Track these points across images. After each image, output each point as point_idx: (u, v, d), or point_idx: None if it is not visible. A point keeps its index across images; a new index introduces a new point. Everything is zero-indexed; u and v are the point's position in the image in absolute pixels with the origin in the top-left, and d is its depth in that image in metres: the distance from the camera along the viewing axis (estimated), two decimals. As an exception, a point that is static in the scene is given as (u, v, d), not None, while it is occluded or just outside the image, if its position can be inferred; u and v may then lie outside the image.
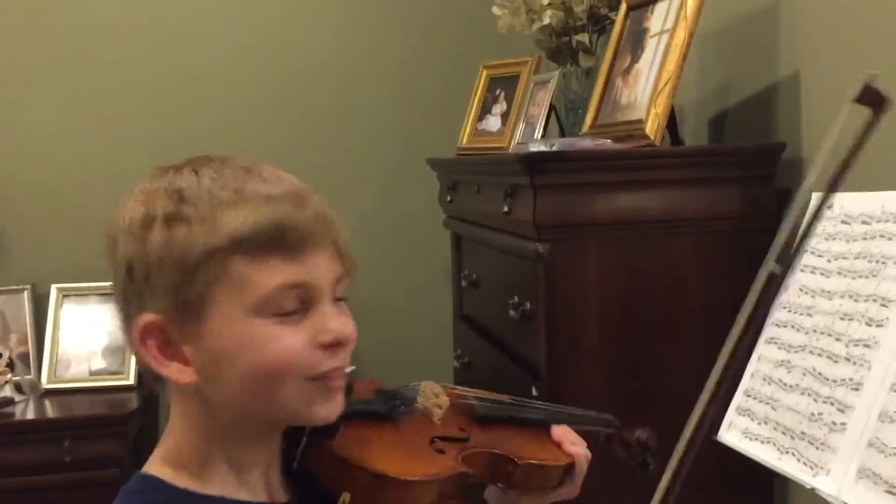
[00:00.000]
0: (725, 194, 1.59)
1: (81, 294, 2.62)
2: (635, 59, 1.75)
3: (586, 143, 1.66)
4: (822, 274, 1.03)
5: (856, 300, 0.95)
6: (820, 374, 0.95)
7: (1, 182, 2.69)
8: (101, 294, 2.56)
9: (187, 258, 0.76)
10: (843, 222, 1.03)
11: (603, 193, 1.57)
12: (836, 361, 0.94)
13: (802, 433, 0.94)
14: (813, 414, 0.94)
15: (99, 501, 1.02)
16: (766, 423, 1.01)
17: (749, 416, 1.04)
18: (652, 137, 1.59)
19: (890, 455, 0.82)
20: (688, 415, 1.56)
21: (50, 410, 2.47)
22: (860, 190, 1.05)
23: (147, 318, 0.77)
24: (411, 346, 2.91)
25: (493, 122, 2.29)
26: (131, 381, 2.56)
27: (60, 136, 2.75)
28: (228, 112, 2.83)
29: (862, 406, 0.88)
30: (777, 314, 1.07)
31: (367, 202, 2.92)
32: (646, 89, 1.66)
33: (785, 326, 1.05)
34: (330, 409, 0.81)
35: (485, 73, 2.38)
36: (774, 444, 0.98)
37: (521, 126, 2.13)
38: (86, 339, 2.63)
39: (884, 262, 0.94)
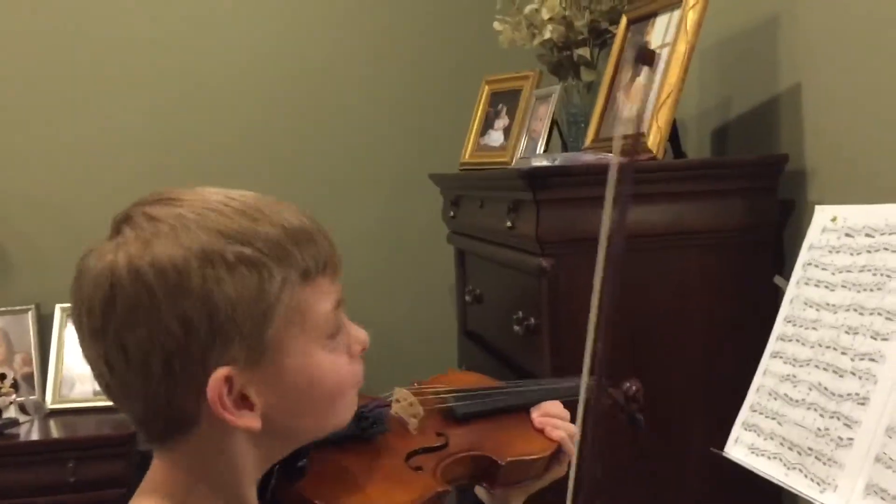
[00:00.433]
0: (728, 206, 1.59)
1: (86, 313, 2.61)
2: (637, 72, 1.75)
3: (588, 158, 1.66)
4: (826, 287, 1.02)
5: (861, 314, 0.94)
6: (826, 388, 0.95)
7: (4, 201, 2.70)
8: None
9: (265, 299, 0.72)
10: (846, 235, 1.03)
11: (605, 207, 1.56)
12: (841, 376, 0.93)
13: (809, 448, 0.93)
14: (819, 429, 0.93)
15: (102, 523, 1.01)
16: (772, 438, 1.00)
17: (755, 431, 1.03)
18: (654, 151, 1.59)
19: (898, 470, 0.81)
20: (695, 427, 1.56)
21: (54, 431, 2.46)
22: (859, 201, 1.05)
23: (222, 372, 0.71)
24: (415, 361, 2.89)
25: (495, 137, 2.29)
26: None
27: (63, 154, 2.76)
28: (232, 128, 2.84)
29: (868, 421, 0.87)
30: (782, 328, 1.07)
31: (370, 217, 2.92)
32: (647, 103, 1.66)
33: (790, 340, 1.04)
34: (354, 404, 0.83)
35: (487, 87, 2.39)
36: (781, 460, 0.97)
37: (524, 140, 2.13)
38: (90, 358, 2.62)
39: (888, 276, 0.93)
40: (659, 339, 1.57)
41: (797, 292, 1.07)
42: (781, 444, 0.98)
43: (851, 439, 0.88)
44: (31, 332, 2.65)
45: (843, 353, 0.94)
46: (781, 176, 1.60)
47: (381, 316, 2.92)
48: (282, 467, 0.82)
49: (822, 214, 1.09)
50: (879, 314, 0.92)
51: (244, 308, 0.71)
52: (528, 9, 2.09)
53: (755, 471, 1.00)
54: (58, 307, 2.61)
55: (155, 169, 2.69)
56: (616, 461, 1.56)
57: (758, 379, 1.07)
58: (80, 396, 2.59)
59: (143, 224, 0.72)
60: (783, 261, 1.62)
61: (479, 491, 1.06)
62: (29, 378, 2.64)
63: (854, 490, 0.86)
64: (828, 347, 0.97)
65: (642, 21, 1.79)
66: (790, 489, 0.94)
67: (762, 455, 1.01)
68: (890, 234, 0.95)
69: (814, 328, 1.01)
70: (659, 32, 1.71)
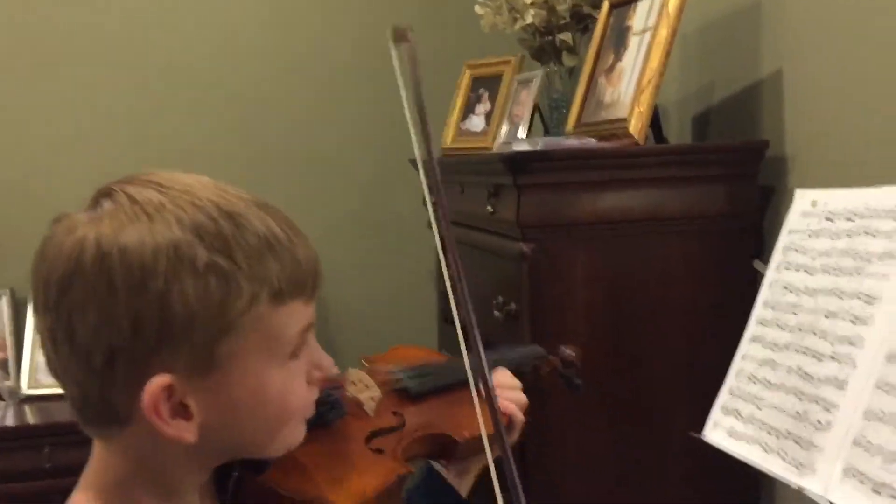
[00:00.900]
0: (709, 192, 1.59)
1: (62, 298, 2.58)
2: (618, 57, 1.75)
3: (570, 143, 1.65)
4: (806, 271, 1.02)
5: (840, 298, 0.94)
6: (805, 372, 0.95)
7: (-22, 186, 2.66)
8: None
9: (226, 315, 0.68)
10: (826, 219, 1.03)
11: (587, 192, 1.56)
12: (820, 360, 0.93)
13: (788, 432, 0.93)
14: (798, 413, 0.93)
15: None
16: (751, 422, 1.00)
17: (734, 415, 1.04)
18: (635, 136, 1.59)
19: (876, 454, 0.82)
20: (677, 412, 1.56)
21: (30, 417, 2.44)
22: (839, 186, 1.04)
23: (162, 380, 0.67)
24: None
25: (476, 122, 2.28)
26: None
27: (38, 138, 2.71)
28: (210, 114, 2.80)
29: (847, 404, 0.88)
30: (761, 312, 1.07)
31: (351, 203, 2.90)
32: (629, 88, 1.65)
33: (769, 325, 1.04)
34: (302, 433, 0.79)
35: (468, 72, 2.37)
36: (760, 444, 0.97)
37: (505, 126, 2.12)
38: (66, 343, 2.59)
39: (868, 260, 0.93)
40: (640, 325, 1.57)
41: (776, 277, 1.07)
42: (760, 427, 0.98)
43: (830, 423, 0.89)
44: (6, 318, 2.61)
45: (822, 338, 0.94)
46: (762, 162, 1.60)
47: (362, 302, 2.91)
48: (243, 461, 0.80)
49: (802, 199, 1.08)
50: (859, 298, 0.92)
51: (202, 319, 0.67)
52: (510, -7, 2.08)
53: (734, 455, 1.01)
54: (33, 292, 2.58)
55: (131, 153, 2.65)
56: (593, 447, 1.57)
57: (737, 363, 1.07)
58: (55, 382, 2.55)
59: (123, 203, 0.69)
60: (764, 246, 1.62)
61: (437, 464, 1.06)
62: (3, 363, 2.60)
63: (832, 473, 0.86)
64: (807, 332, 0.97)
65: (624, 5, 1.78)
66: (769, 473, 0.94)
67: (741, 439, 1.01)
68: (870, 217, 0.95)
69: (793, 312, 1.01)
70: (641, 17, 1.70)
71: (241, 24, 2.83)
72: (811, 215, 1.06)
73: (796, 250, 1.05)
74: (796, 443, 0.91)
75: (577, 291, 1.55)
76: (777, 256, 1.09)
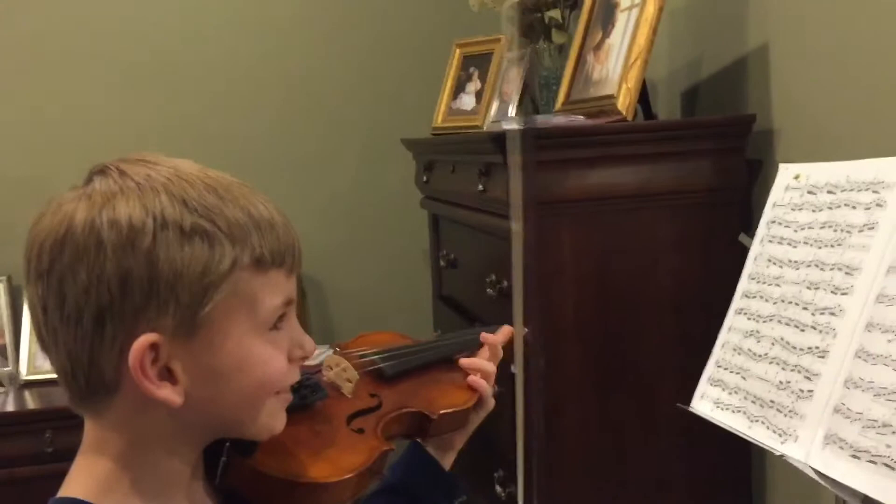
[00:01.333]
0: (697, 167, 1.60)
1: (58, 284, 2.59)
2: (606, 34, 1.75)
3: (558, 120, 1.66)
4: (789, 244, 1.04)
5: (822, 269, 0.96)
6: (787, 342, 0.97)
7: (-28, 173, 2.67)
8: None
9: (209, 275, 0.71)
10: (809, 192, 1.04)
11: (576, 170, 1.57)
12: (802, 330, 0.95)
13: (771, 401, 0.96)
14: (781, 382, 0.95)
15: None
16: (736, 392, 1.02)
17: (720, 386, 1.06)
18: (624, 112, 1.60)
19: (855, 420, 0.84)
20: (663, 386, 1.59)
21: (30, 402, 2.46)
22: (826, 160, 1.06)
23: (148, 338, 0.70)
24: (391, 327, 2.88)
25: (467, 101, 2.29)
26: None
27: (33, 125, 2.71)
28: (200, 97, 2.80)
29: (828, 373, 0.90)
30: (746, 285, 1.09)
31: (343, 184, 2.91)
32: (617, 64, 1.66)
33: (754, 297, 1.06)
34: (283, 421, 0.82)
35: (458, 51, 2.38)
36: (745, 413, 0.99)
37: (496, 104, 2.13)
38: (64, 329, 2.61)
39: (848, 231, 0.95)
40: (630, 299, 1.59)
41: (761, 250, 1.09)
42: (745, 397, 1.01)
43: (812, 391, 0.91)
44: (3, 304, 2.63)
45: (804, 308, 0.96)
46: (749, 136, 1.61)
47: (356, 282, 2.92)
48: (232, 444, 0.82)
49: (786, 172, 1.10)
50: (840, 269, 0.94)
51: (186, 279, 0.71)
52: (498, -29, 2.08)
53: (720, 424, 1.03)
54: (30, 278, 2.59)
55: (127, 142, 2.65)
56: (583, 420, 1.59)
57: (723, 335, 1.09)
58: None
59: (113, 177, 0.73)
60: (752, 220, 1.64)
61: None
62: (2, 349, 2.62)
63: (814, 440, 0.88)
64: (790, 303, 0.99)
65: (612, -18, 1.78)
66: (753, 441, 0.97)
67: (727, 409, 1.03)
68: (850, 190, 0.97)
69: (777, 284, 1.03)
70: (628, -7, 1.70)
71: (227, 6, 2.82)
72: (794, 189, 1.07)
73: (780, 223, 1.07)
74: (779, 411, 0.94)
75: (567, 267, 1.57)
76: (762, 230, 1.11)
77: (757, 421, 0.97)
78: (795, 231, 1.03)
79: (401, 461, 1.06)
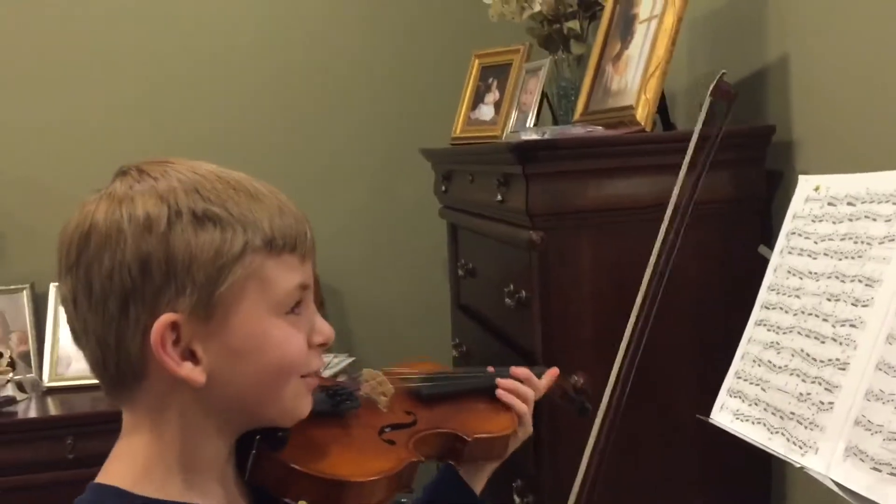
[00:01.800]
0: (716, 178, 1.59)
1: (80, 292, 2.62)
2: (625, 45, 1.76)
3: (577, 131, 1.66)
4: (809, 256, 1.04)
5: (842, 281, 0.96)
6: (808, 354, 0.96)
7: (-3, 182, 2.71)
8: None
9: (222, 257, 0.76)
10: (829, 204, 1.04)
11: (594, 180, 1.58)
12: (823, 342, 0.95)
13: (791, 413, 0.95)
14: (801, 394, 0.95)
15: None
16: (756, 403, 1.02)
17: (740, 397, 1.05)
18: (642, 123, 1.60)
19: (876, 433, 0.83)
20: (682, 399, 1.58)
21: (52, 408, 2.48)
22: (846, 171, 1.06)
23: (169, 317, 0.75)
24: (410, 336, 2.92)
25: (486, 111, 2.29)
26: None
27: (56, 132, 2.75)
28: (221, 106, 2.84)
29: (848, 385, 0.89)
30: (766, 296, 1.08)
31: (362, 194, 2.93)
32: (636, 75, 1.66)
33: (774, 308, 1.06)
34: (308, 406, 0.85)
35: (477, 62, 2.39)
36: (764, 425, 0.99)
37: (514, 114, 2.14)
38: (86, 336, 2.63)
39: (868, 243, 0.94)
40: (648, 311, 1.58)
41: (781, 261, 1.08)
42: (765, 409, 1.00)
43: (832, 403, 0.90)
44: (27, 311, 2.66)
45: (824, 320, 0.96)
46: (769, 147, 1.61)
47: (376, 291, 2.94)
48: (263, 438, 0.83)
49: (806, 184, 1.10)
50: (860, 281, 0.93)
51: (201, 261, 0.75)
52: (517, -18, 2.09)
53: (739, 436, 1.03)
54: (52, 286, 2.61)
55: (147, 146, 2.69)
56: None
57: (742, 346, 1.09)
58: (76, 374, 2.60)
59: (133, 176, 0.79)
60: (772, 231, 1.63)
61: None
62: (25, 356, 2.65)
63: (834, 453, 0.88)
64: (810, 314, 0.99)
65: (631, -7, 1.79)
66: (773, 453, 0.96)
67: (746, 420, 1.03)
68: (871, 202, 0.97)
69: (797, 296, 1.02)
70: (647, 4, 1.71)
71: (246, 10, 2.85)
72: (814, 200, 1.07)
73: (800, 235, 1.07)
74: (799, 423, 0.93)
75: (585, 278, 1.57)
76: (781, 241, 1.11)
77: (777, 432, 0.97)
78: (815, 242, 1.03)
79: (432, 482, 1.07)
